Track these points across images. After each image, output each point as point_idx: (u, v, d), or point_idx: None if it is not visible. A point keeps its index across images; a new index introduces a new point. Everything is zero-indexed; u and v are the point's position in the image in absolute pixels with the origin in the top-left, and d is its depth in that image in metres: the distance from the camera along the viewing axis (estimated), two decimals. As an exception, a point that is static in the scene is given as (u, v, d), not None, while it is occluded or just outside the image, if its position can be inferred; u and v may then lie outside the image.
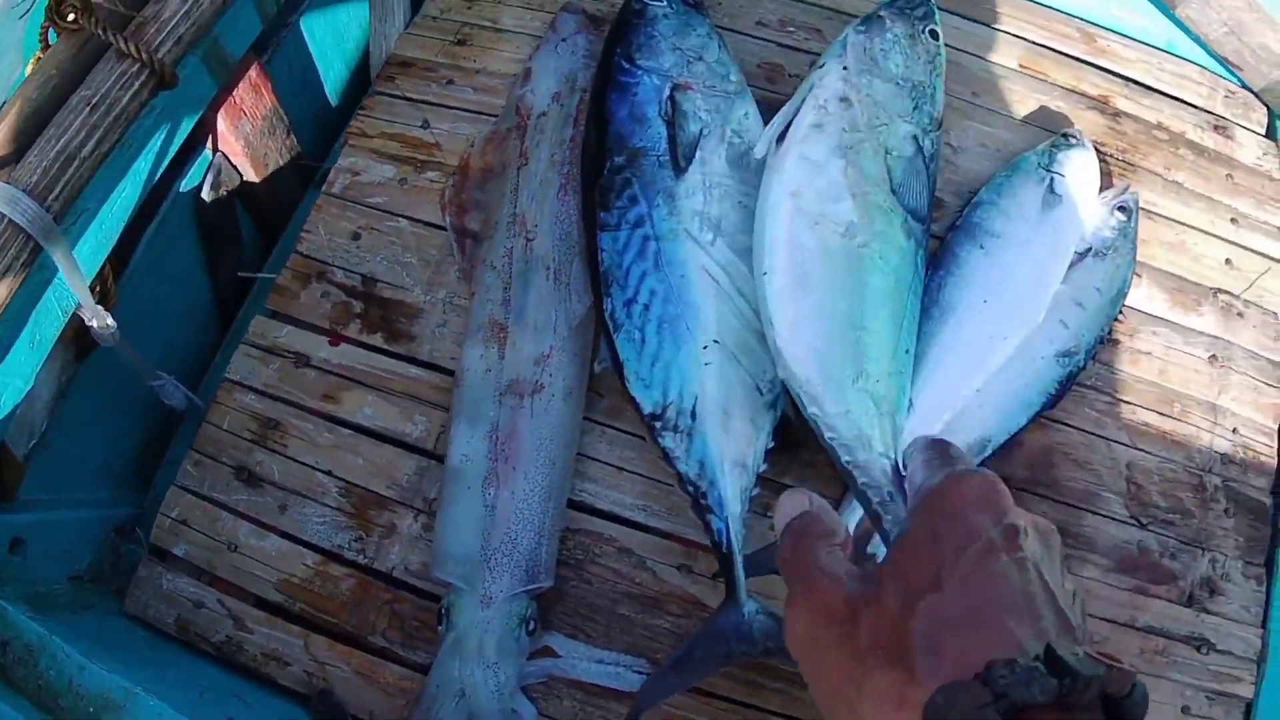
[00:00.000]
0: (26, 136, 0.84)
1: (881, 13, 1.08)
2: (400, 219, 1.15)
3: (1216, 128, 1.27)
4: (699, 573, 0.98)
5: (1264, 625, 1.05)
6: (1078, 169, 1.13)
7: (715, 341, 0.93)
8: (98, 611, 1.03)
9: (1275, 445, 1.13)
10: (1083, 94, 1.26)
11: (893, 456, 0.90)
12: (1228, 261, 1.20)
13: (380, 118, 1.21)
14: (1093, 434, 1.09)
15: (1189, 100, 1.29)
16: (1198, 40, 1.25)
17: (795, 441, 1.02)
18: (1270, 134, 1.29)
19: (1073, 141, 1.15)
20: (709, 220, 0.99)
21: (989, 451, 1.02)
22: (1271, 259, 1.22)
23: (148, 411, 1.17)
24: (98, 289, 1.00)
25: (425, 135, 1.19)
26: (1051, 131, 1.19)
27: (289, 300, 1.12)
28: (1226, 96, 1.29)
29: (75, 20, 0.88)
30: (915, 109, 1.04)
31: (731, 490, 0.89)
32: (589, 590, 0.98)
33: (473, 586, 0.92)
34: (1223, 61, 1.26)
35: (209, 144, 1.16)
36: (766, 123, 1.04)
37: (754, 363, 0.94)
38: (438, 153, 1.18)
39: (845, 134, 0.99)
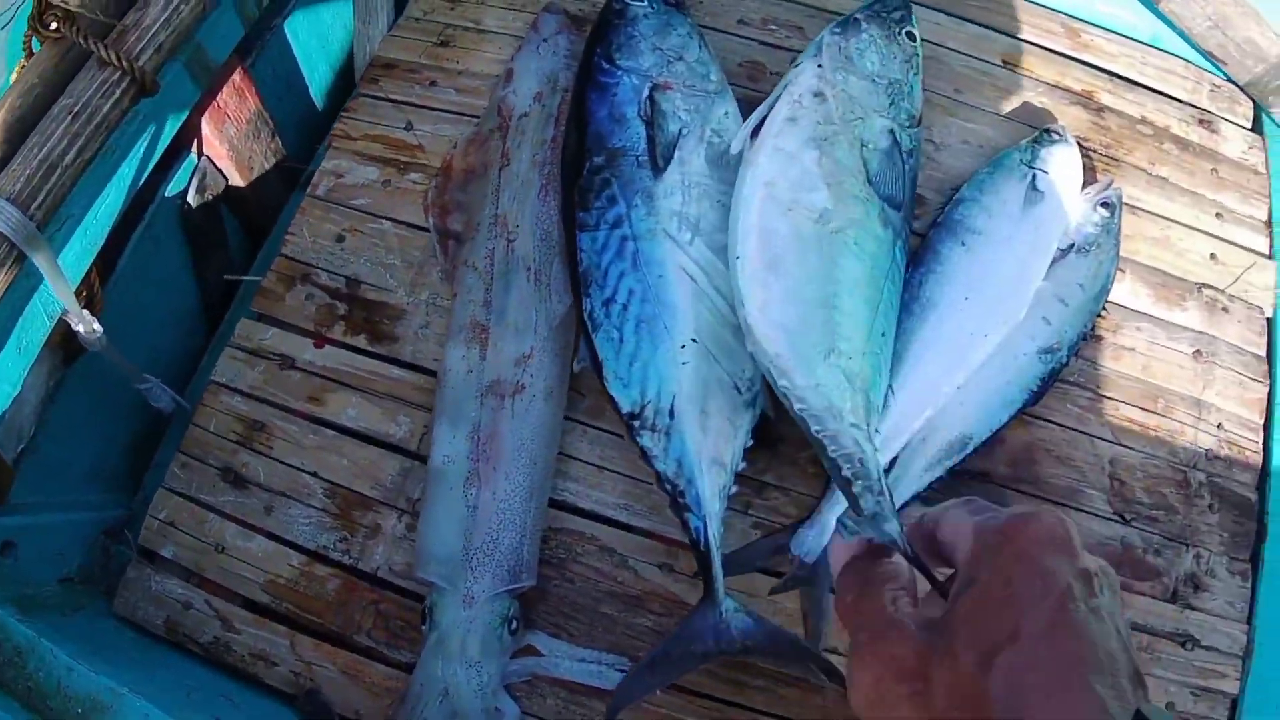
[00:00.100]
0: (10, 145, 0.86)
1: (858, 16, 1.10)
2: (384, 221, 1.17)
3: (1201, 122, 1.28)
4: (680, 571, 1.00)
5: (1249, 621, 1.07)
6: (1060, 165, 1.14)
7: (693, 340, 0.95)
8: (87, 613, 1.06)
9: (1260, 440, 1.14)
10: (1066, 89, 1.28)
11: (864, 428, 0.91)
12: (1212, 256, 1.21)
13: (364, 120, 1.23)
14: (1075, 430, 1.11)
15: (1174, 95, 1.30)
16: (1182, 35, 1.26)
17: (776, 439, 1.04)
18: (1256, 128, 1.30)
19: (1056, 137, 1.16)
20: (687, 220, 1.00)
21: (970, 449, 1.04)
22: (1257, 253, 1.23)
23: (136, 414, 1.19)
24: (84, 294, 1.03)
25: (408, 137, 1.21)
26: (1035, 127, 1.20)
27: (274, 303, 1.15)
28: (1211, 90, 1.30)
29: (58, 29, 0.91)
30: (892, 105, 1.06)
31: (709, 489, 0.90)
32: (571, 589, 1.00)
33: (455, 586, 0.94)
34: (1207, 56, 1.27)
35: (194, 148, 1.19)
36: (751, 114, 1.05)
37: (732, 361, 0.96)
38: (421, 154, 1.20)
39: (819, 126, 1.00)
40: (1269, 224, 1.24)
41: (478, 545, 0.95)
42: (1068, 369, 1.10)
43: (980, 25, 1.31)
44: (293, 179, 1.31)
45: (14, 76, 0.94)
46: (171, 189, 1.18)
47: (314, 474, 1.06)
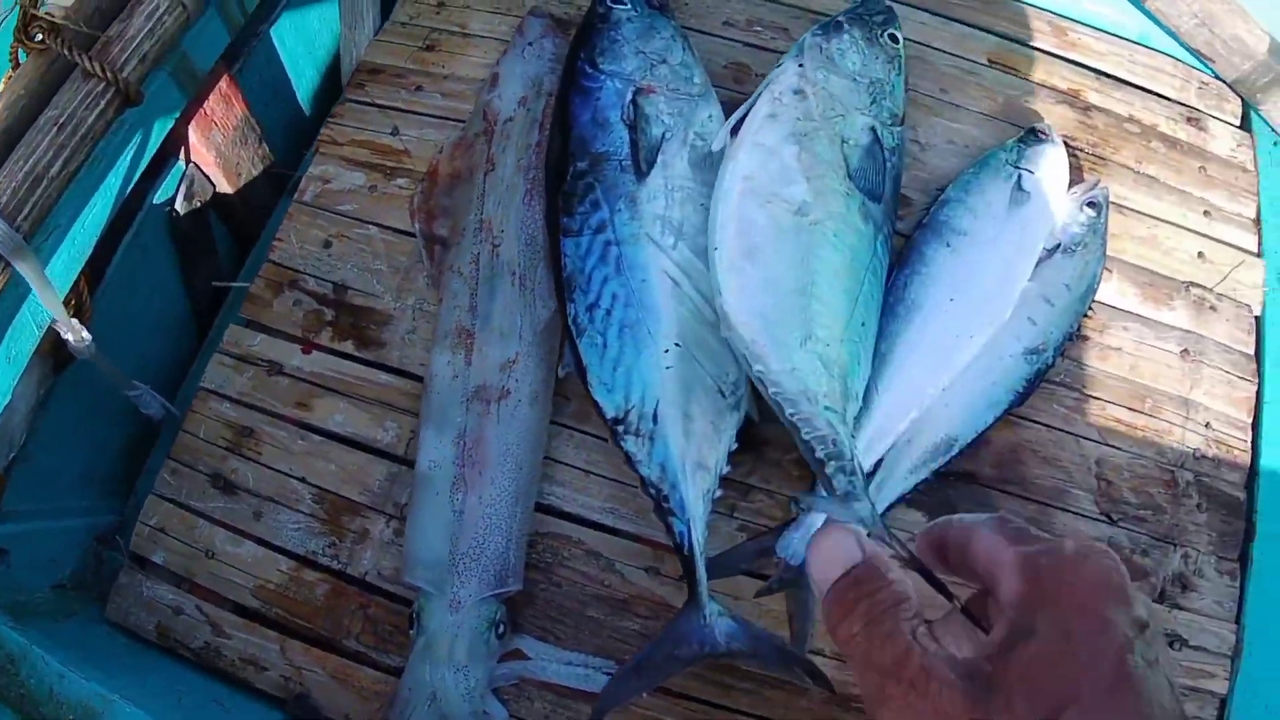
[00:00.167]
0: (-4, 157, 0.88)
1: (840, 18, 1.11)
2: (370, 226, 1.19)
3: (1190, 120, 1.29)
4: (666, 575, 1.02)
5: (1238, 620, 1.08)
6: (1046, 165, 1.15)
7: (676, 345, 0.96)
8: (80, 619, 1.08)
9: (1249, 439, 1.15)
10: (1053, 88, 1.28)
11: (840, 411, 0.92)
12: (1200, 255, 1.22)
13: (350, 125, 1.25)
14: (1062, 431, 1.12)
15: (1161, 92, 1.30)
16: (1169, 32, 1.27)
17: (761, 442, 1.05)
18: (1245, 125, 1.31)
19: (1042, 137, 1.17)
20: (670, 224, 1.02)
21: (956, 450, 1.05)
22: (1245, 251, 1.24)
23: (127, 420, 1.21)
24: (73, 303, 1.04)
25: (394, 142, 1.23)
26: (1021, 127, 1.21)
27: (262, 309, 1.16)
28: (1200, 88, 1.31)
29: (43, 40, 0.92)
30: (873, 103, 1.07)
31: (693, 493, 0.92)
32: (558, 593, 1.02)
33: (442, 591, 0.95)
34: (1195, 53, 1.27)
35: (181, 155, 1.20)
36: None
37: (716, 365, 0.97)
38: (407, 159, 1.21)
39: (799, 122, 1.02)
40: (1257, 221, 1.25)
41: (464, 550, 0.97)
42: (1054, 369, 1.11)
43: (966, 24, 1.32)
44: (280, 184, 1.33)
45: (0, 88, 0.96)
46: (159, 196, 1.19)
47: (302, 479, 1.08)
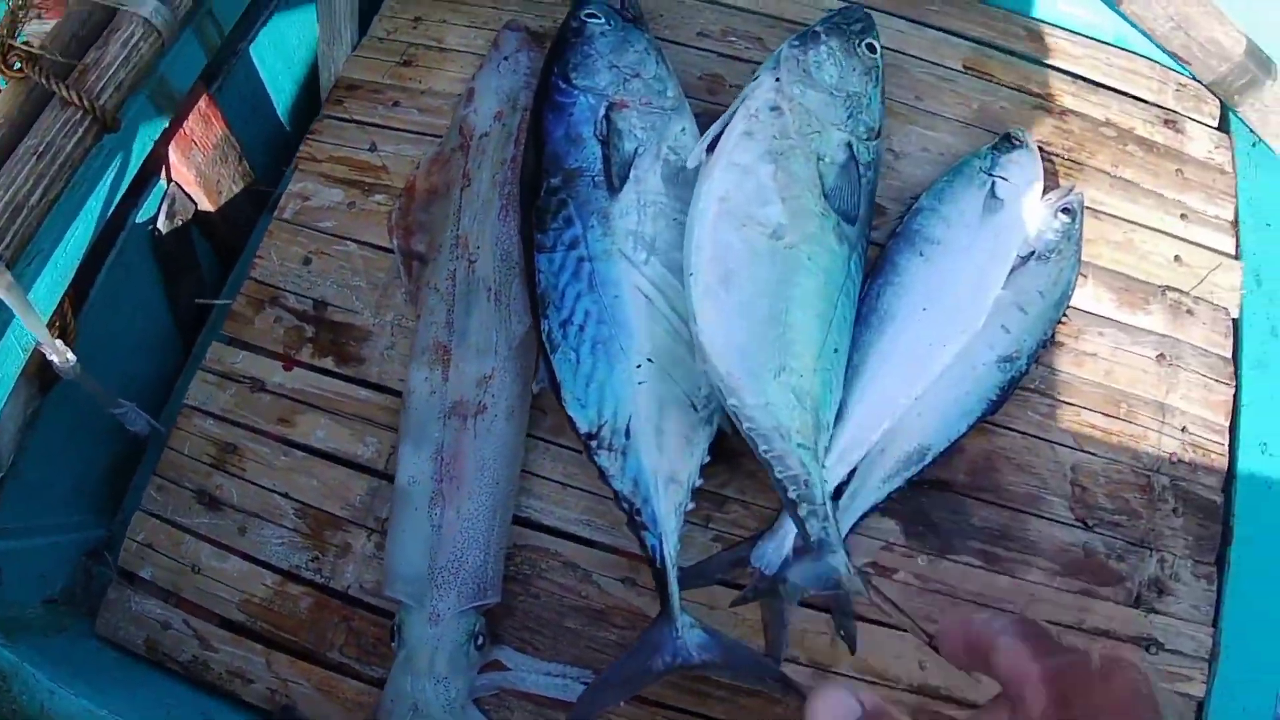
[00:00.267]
0: (-24, 187, 0.91)
1: (817, 28, 1.13)
2: (349, 242, 1.22)
3: (1167, 122, 1.31)
4: (643, 585, 1.05)
5: (1215, 624, 1.10)
6: (1021, 171, 1.17)
7: (649, 360, 0.99)
8: (70, 634, 1.12)
9: (1226, 443, 1.18)
10: (1029, 93, 1.30)
11: (812, 448, 0.95)
12: (1177, 258, 1.24)
13: (329, 141, 1.28)
14: (1036, 437, 1.14)
15: (1138, 95, 1.32)
16: (1145, 35, 1.29)
17: (736, 453, 1.08)
18: (1223, 126, 1.33)
19: (1016, 143, 1.19)
20: (643, 239, 1.04)
21: (929, 459, 1.08)
22: (1222, 254, 1.26)
23: (114, 436, 1.25)
24: (57, 324, 1.08)
25: (372, 158, 1.26)
26: (996, 133, 1.24)
27: (243, 326, 1.20)
28: (1177, 90, 1.33)
29: (21, 69, 0.96)
30: (850, 118, 1.09)
31: (665, 507, 0.95)
32: (536, 604, 1.05)
33: (422, 604, 0.99)
34: (1172, 56, 1.29)
35: (163, 175, 1.24)
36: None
37: (688, 380, 1.00)
38: (385, 175, 1.25)
39: (775, 140, 1.04)
40: (1235, 224, 1.27)
41: (443, 564, 1.00)
42: (1028, 376, 1.14)
43: (941, 30, 1.34)
44: (262, 201, 1.36)
45: (-20, 116, 0.99)
46: (141, 216, 1.23)
47: (285, 495, 1.12)
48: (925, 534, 1.10)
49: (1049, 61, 1.33)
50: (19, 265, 0.96)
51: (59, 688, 0.92)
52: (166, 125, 1.15)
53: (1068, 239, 1.17)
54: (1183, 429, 1.17)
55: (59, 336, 1.05)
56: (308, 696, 1.04)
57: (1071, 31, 1.36)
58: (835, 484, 1.05)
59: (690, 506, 0.98)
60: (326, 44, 1.34)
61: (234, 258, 1.36)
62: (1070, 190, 1.19)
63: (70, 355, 1.04)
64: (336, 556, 1.09)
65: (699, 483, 0.99)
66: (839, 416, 1.04)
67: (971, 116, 1.28)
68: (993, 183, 1.17)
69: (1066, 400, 1.16)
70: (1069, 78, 1.33)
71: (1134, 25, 1.29)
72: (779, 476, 0.92)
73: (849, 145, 1.08)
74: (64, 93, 0.95)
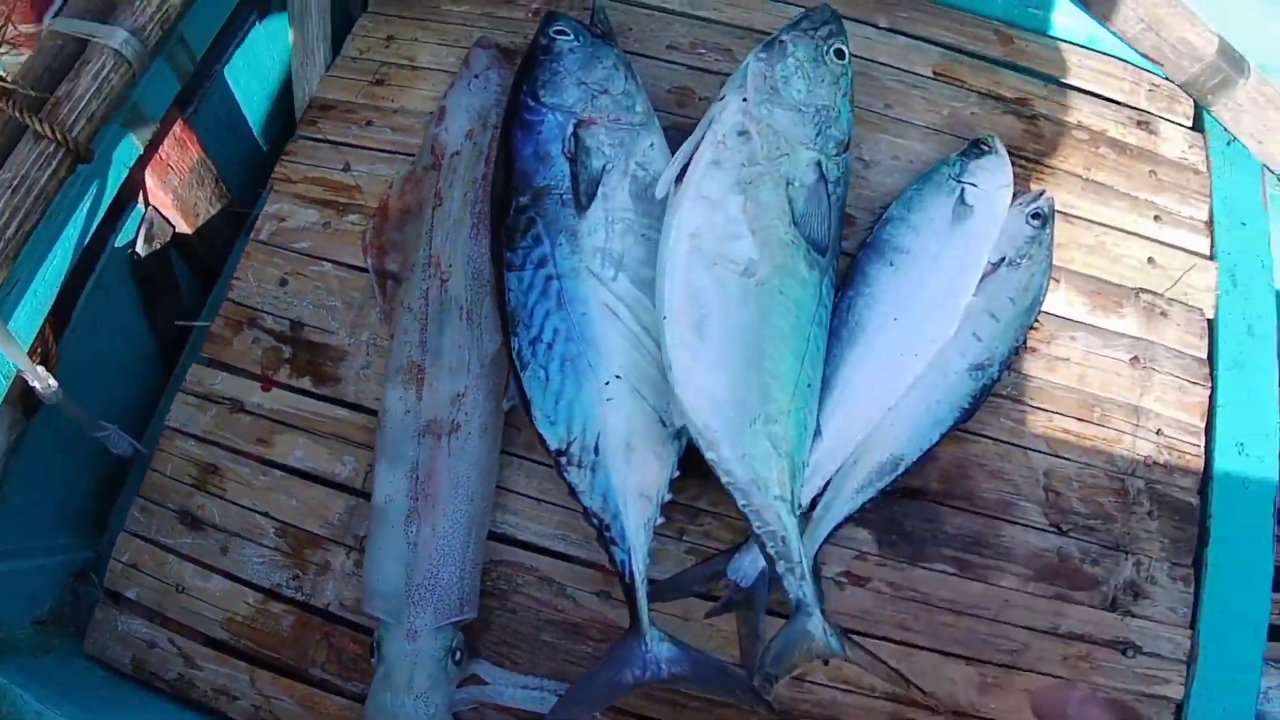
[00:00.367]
0: (-47, 221, 0.95)
1: (783, 37, 1.13)
2: (324, 263, 1.25)
3: (1140, 123, 1.32)
4: (618, 598, 1.08)
5: (1193, 626, 1.12)
6: (990, 177, 1.19)
7: (617, 377, 1.02)
8: (59, 654, 1.16)
9: (1202, 444, 1.20)
10: (1000, 97, 1.32)
11: (788, 499, 0.98)
12: (1150, 260, 1.26)
13: (303, 162, 1.31)
14: (1009, 443, 1.17)
15: (1111, 96, 1.34)
16: (1117, 36, 1.30)
17: (708, 466, 1.10)
18: (1197, 126, 1.34)
19: (985, 149, 1.21)
20: (611, 256, 1.07)
21: (902, 469, 1.10)
22: (1197, 255, 1.27)
23: (99, 458, 1.29)
24: (39, 350, 1.12)
25: (346, 178, 1.29)
26: (966, 139, 1.25)
27: (222, 347, 1.23)
28: (1150, 90, 1.35)
29: (-4, 104, 0.99)
30: (819, 134, 1.11)
31: (633, 522, 0.98)
32: (513, 619, 1.08)
33: (399, 621, 1.02)
34: (1144, 56, 1.30)
35: (140, 199, 1.27)
36: (674, 150, 1.11)
37: (657, 395, 1.03)
38: (359, 195, 1.28)
39: (744, 169, 1.05)
40: (1210, 224, 1.29)
41: (419, 581, 1.03)
42: (1000, 383, 1.16)
43: (910, 36, 1.35)
44: (240, 221, 1.40)
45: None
46: (120, 240, 1.26)
47: (265, 514, 1.15)
48: (898, 542, 1.12)
49: (1020, 65, 1.35)
50: (-2, 296, 0.99)
51: (47, 708, 0.96)
52: (142, 151, 1.19)
53: (1039, 244, 1.19)
54: (1157, 431, 1.19)
55: (41, 363, 1.08)
56: (291, 712, 1.08)
57: (1042, 34, 1.37)
58: (810, 497, 1.07)
59: (660, 521, 1.01)
60: (300, 65, 1.37)
61: (213, 279, 1.39)
62: (1041, 195, 1.20)
63: (52, 381, 1.08)
64: (317, 574, 1.12)
65: (668, 498, 1.02)
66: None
67: (942, 123, 1.30)
68: (962, 189, 1.19)
69: (1039, 406, 1.18)
70: (1040, 81, 1.34)
71: (1105, 27, 1.30)
72: (757, 531, 0.96)
73: (818, 164, 1.09)
74: (37, 126, 0.98)
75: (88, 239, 1.16)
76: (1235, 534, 1.16)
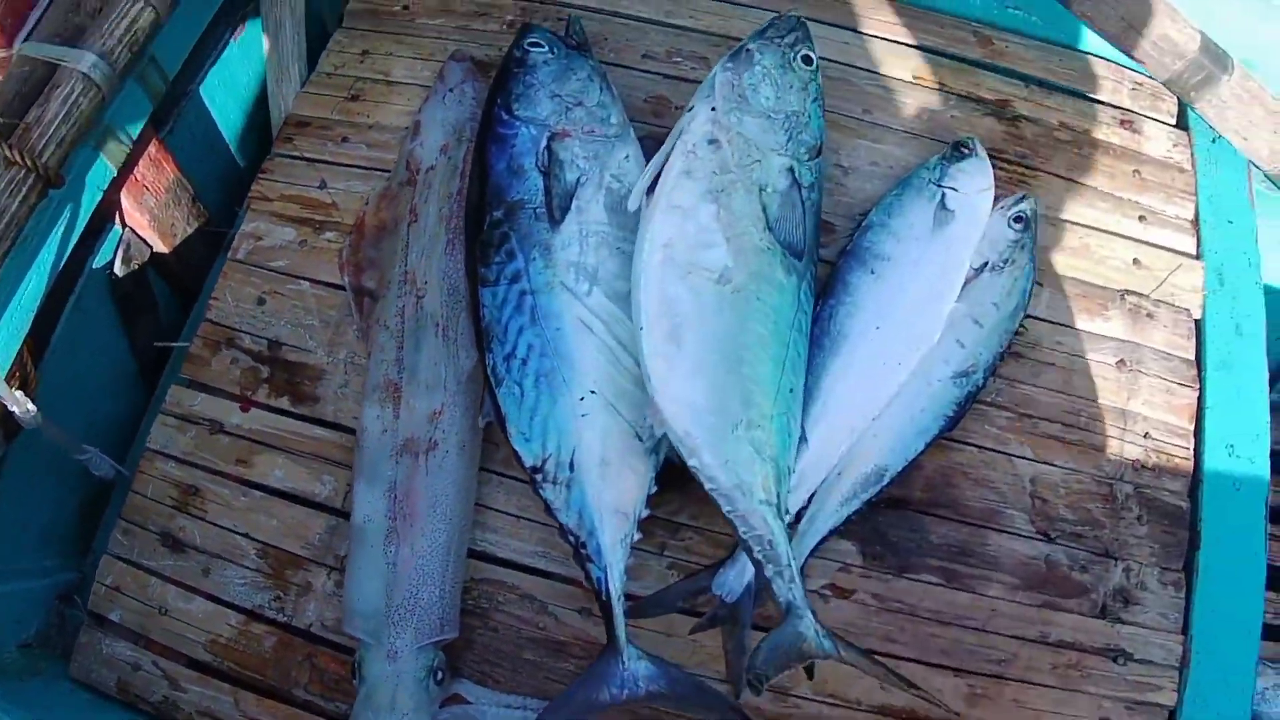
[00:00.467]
0: (-76, 250, 0.95)
1: (750, 45, 1.13)
2: (302, 281, 1.25)
3: (1123, 122, 1.31)
4: (600, 615, 1.07)
5: (1184, 631, 1.11)
6: (971, 180, 1.18)
7: (592, 392, 1.02)
8: (45, 676, 1.16)
9: (1191, 446, 1.18)
10: (980, 99, 1.31)
11: (775, 503, 0.97)
12: (1135, 261, 1.25)
13: (279, 180, 1.31)
14: (994, 451, 1.16)
15: (1093, 95, 1.33)
16: (1099, 34, 1.29)
17: (687, 478, 1.10)
18: (1181, 124, 1.33)
19: (965, 152, 1.20)
20: (585, 270, 1.07)
21: (886, 480, 1.09)
22: (1183, 254, 1.26)
23: (83, 479, 1.29)
24: (17, 374, 1.12)
25: (322, 195, 1.29)
26: (946, 143, 1.24)
27: (201, 368, 1.23)
28: (1134, 88, 1.33)
29: (-35, 131, 0.99)
30: (790, 140, 1.10)
31: (609, 539, 0.97)
32: (495, 637, 1.08)
33: (379, 641, 1.02)
34: (1126, 54, 1.29)
35: (117, 220, 1.27)
36: (650, 161, 1.10)
37: (633, 410, 1.02)
38: (335, 212, 1.28)
39: (715, 177, 1.05)
40: (1196, 222, 1.28)
41: (398, 601, 1.03)
42: (985, 390, 1.15)
43: (888, 40, 1.35)
44: (218, 240, 1.39)
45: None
46: (98, 261, 1.26)
47: (246, 535, 1.15)
48: (883, 553, 1.11)
49: (1000, 66, 1.34)
50: (-29, 324, 0.99)
51: None
52: (115, 173, 1.19)
53: (1021, 248, 1.18)
54: (1145, 435, 1.18)
55: (20, 386, 1.08)
56: (275, 734, 1.07)
57: (1022, 34, 1.36)
58: (795, 510, 1.07)
59: (637, 538, 1.01)
60: (275, 82, 1.37)
61: (192, 298, 1.39)
62: (1023, 198, 1.19)
63: (30, 406, 1.08)
64: (298, 595, 1.12)
65: (645, 514, 1.02)
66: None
67: (921, 127, 1.29)
68: (942, 194, 1.18)
69: (1024, 412, 1.17)
70: (1021, 82, 1.33)
71: (1086, 25, 1.29)
72: (744, 536, 0.95)
73: (791, 170, 1.09)
74: (7, 152, 0.98)
75: (63, 262, 1.16)
76: (1226, 537, 1.15)
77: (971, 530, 1.12)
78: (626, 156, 1.15)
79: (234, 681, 1.10)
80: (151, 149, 1.26)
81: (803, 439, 1.07)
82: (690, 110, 1.09)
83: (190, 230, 1.35)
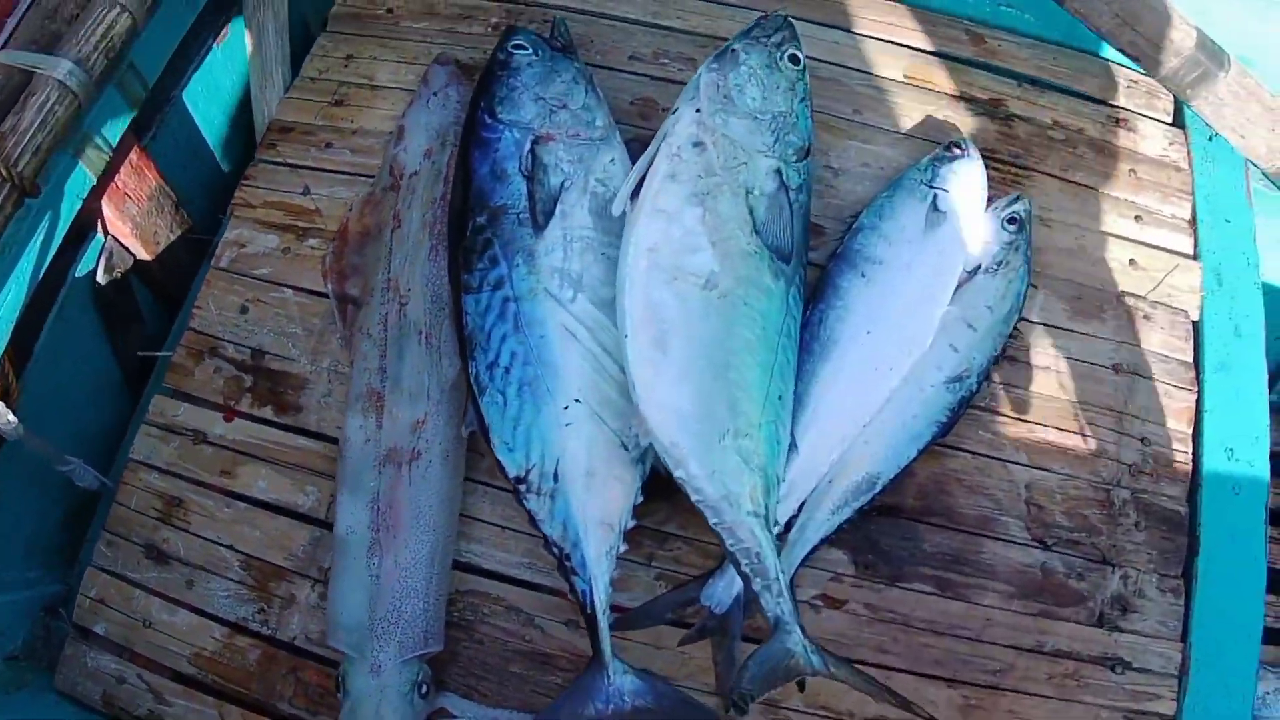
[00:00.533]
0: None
1: (735, 45, 1.11)
2: (285, 289, 1.24)
3: (1119, 121, 1.29)
4: (586, 627, 1.05)
5: (1184, 639, 1.09)
6: (963, 182, 1.16)
7: (576, 401, 1.00)
8: (31, 689, 1.14)
9: (1190, 450, 1.16)
10: (973, 99, 1.29)
11: (763, 514, 0.95)
12: (1131, 262, 1.22)
13: (262, 186, 1.30)
14: (988, 457, 1.13)
15: (1088, 94, 1.30)
16: (1093, 32, 1.26)
17: (675, 488, 1.08)
18: (1177, 122, 1.30)
19: (957, 153, 1.18)
20: (569, 276, 1.05)
21: (878, 488, 1.07)
22: (1180, 254, 1.23)
23: (67, 490, 1.27)
24: (-2, 386, 1.10)
25: (306, 202, 1.27)
26: (938, 143, 1.22)
27: (184, 377, 1.22)
28: (1128, 86, 1.31)
29: (-60, 141, 0.97)
30: (777, 141, 1.08)
31: (594, 551, 0.95)
32: (481, 650, 1.06)
33: (363, 655, 1.00)
34: (1121, 52, 1.27)
35: (99, 228, 1.25)
36: (635, 164, 1.08)
37: (618, 419, 1.00)
38: (318, 219, 1.26)
39: (701, 180, 1.03)
40: (1193, 222, 1.25)
41: (382, 614, 1.01)
42: (979, 394, 1.13)
43: (880, 40, 1.32)
44: (202, 247, 1.38)
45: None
46: (81, 270, 1.25)
47: (230, 546, 1.13)
48: (875, 563, 1.09)
49: (993, 65, 1.32)
50: (-53, 336, 0.98)
51: None
52: (95, 181, 1.17)
53: (1015, 250, 1.16)
54: (1143, 439, 1.16)
55: (1, 397, 1.07)
56: (261, 749, 1.06)
57: (1016, 32, 1.34)
58: (785, 519, 1.04)
59: (623, 549, 0.99)
60: (259, 86, 1.36)
61: (177, 306, 1.38)
62: (1017, 198, 1.17)
63: (11, 418, 1.06)
64: (282, 607, 1.10)
65: (631, 524, 1.00)
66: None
67: (913, 127, 1.27)
68: (934, 195, 1.15)
69: (1019, 417, 1.15)
70: (1014, 81, 1.31)
71: (1079, 22, 1.26)
72: (731, 549, 0.93)
73: (778, 172, 1.07)
74: (-20, 162, 0.97)
75: (44, 271, 1.14)
76: (1226, 542, 1.13)
77: (966, 538, 1.10)
78: (612, 160, 1.13)
79: (219, 695, 1.09)
80: (133, 156, 1.24)
81: (793, 446, 1.05)
82: (675, 112, 1.08)
83: (173, 238, 1.34)
